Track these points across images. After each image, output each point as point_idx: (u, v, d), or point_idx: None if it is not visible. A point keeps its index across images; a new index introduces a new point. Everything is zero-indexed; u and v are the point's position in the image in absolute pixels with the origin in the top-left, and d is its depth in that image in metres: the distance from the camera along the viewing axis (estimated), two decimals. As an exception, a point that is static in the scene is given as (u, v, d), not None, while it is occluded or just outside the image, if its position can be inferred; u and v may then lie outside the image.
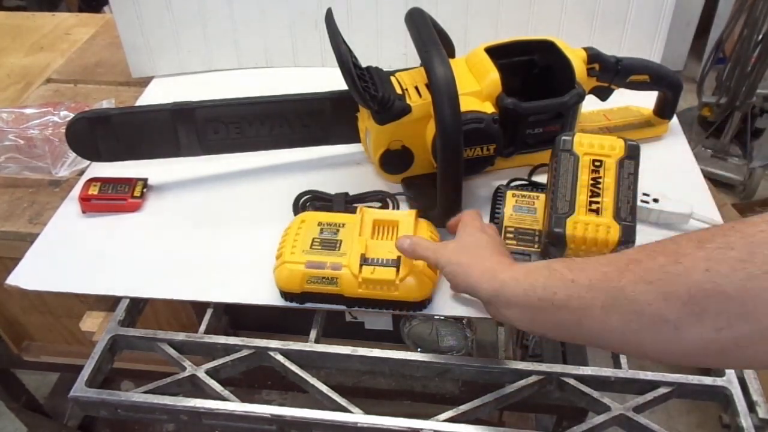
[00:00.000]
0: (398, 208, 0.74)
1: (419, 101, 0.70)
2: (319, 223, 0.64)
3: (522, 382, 0.57)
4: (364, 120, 0.75)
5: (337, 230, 0.63)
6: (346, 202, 0.73)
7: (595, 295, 0.42)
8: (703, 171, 0.80)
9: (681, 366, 0.43)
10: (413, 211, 0.65)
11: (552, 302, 0.45)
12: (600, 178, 0.60)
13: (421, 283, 0.59)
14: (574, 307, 0.43)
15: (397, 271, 0.59)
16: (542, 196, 0.68)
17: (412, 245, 0.58)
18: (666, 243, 0.41)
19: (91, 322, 0.66)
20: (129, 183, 0.77)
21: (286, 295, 0.62)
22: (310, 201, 0.74)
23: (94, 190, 0.75)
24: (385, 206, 0.74)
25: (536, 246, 0.65)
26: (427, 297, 0.61)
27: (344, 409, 0.56)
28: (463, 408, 0.55)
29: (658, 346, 0.40)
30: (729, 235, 0.37)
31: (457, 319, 0.66)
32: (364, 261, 0.59)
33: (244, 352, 0.60)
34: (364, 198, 0.74)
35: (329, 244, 0.61)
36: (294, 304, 0.63)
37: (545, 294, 0.45)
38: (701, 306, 0.37)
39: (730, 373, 0.57)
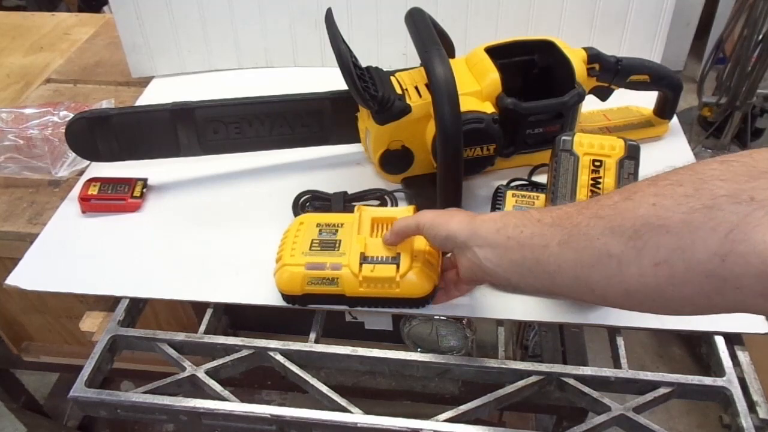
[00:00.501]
0: (396, 206, 0.74)
1: (419, 101, 0.70)
2: (318, 224, 0.63)
3: (522, 382, 0.57)
4: (364, 120, 0.75)
5: (336, 230, 0.63)
6: (345, 201, 0.73)
7: (555, 232, 0.43)
8: (703, 171, 0.80)
9: (619, 308, 0.43)
10: (411, 207, 0.65)
11: (518, 240, 0.46)
12: (600, 178, 0.60)
13: (422, 280, 0.58)
14: (536, 243, 0.44)
15: (398, 268, 0.58)
16: (542, 196, 0.68)
17: (391, 229, 0.58)
18: (629, 185, 0.42)
19: (90, 322, 0.66)
20: (129, 183, 0.77)
21: (287, 297, 0.62)
22: (309, 201, 0.74)
23: (93, 190, 0.75)
24: (383, 204, 0.74)
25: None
26: (429, 293, 0.60)
27: (344, 409, 0.55)
28: (463, 408, 0.55)
29: (602, 282, 0.40)
30: (681, 173, 0.38)
31: (457, 319, 0.66)
32: (364, 259, 0.59)
33: (244, 352, 0.60)
34: (362, 197, 0.74)
35: (328, 244, 0.61)
36: (296, 306, 0.63)
37: (514, 232, 0.46)
38: (643, 240, 0.37)
39: (730, 373, 0.57)
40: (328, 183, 0.78)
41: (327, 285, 0.59)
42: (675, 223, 0.35)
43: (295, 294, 0.61)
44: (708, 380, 0.57)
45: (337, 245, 0.61)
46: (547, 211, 0.46)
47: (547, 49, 0.76)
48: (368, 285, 0.59)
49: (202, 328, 0.63)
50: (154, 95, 0.98)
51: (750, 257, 0.32)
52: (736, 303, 0.35)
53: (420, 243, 0.60)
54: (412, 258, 0.58)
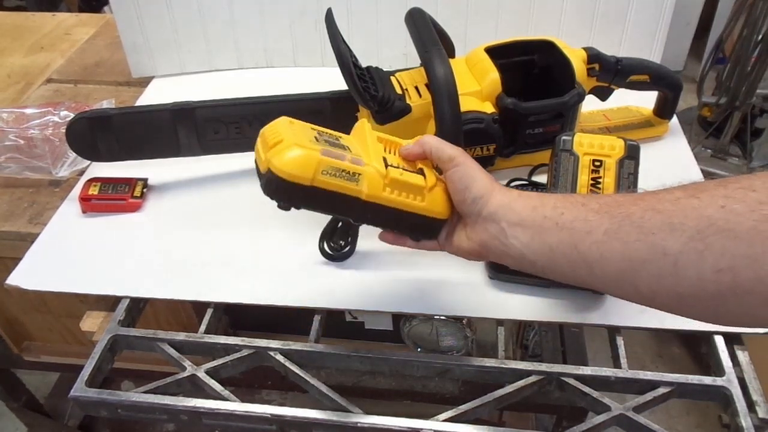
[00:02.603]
0: None
1: (419, 101, 0.70)
2: (313, 128, 0.50)
3: (522, 382, 0.57)
4: (364, 120, 0.75)
5: (339, 138, 0.51)
6: None
7: (602, 219, 0.40)
8: (703, 171, 0.80)
9: (663, 310, 0.40)
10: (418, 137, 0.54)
11: (556, 222, 0.42)
12: (600, 178, 0.60)
13: (445, 200, 0.51)
14: (577, 228, 0.41)
15: (425, 179, 0.50)
16: (542, 196, 0.68)
17: (418, 140, 0.51)
18: (690, 183, 0.38)
19: (91, 322, 0.66)
20: (129, 183, 0.77)
21: (285, 186, 0.46)
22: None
23: (94, 190, 0.75)
24: None
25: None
26: (447, 217, 0.51)
27: (344, 409, 0.56)
28: (463, 408, 0.55)
29: (652, 281, 0.38)
30: (754, 179, 0.35)
31: (457, 319, 0.66)
32: (387, 164, 0.49)
33: (244, 352, 0.60)
34: None
35: (337, 146, 0.49)
36: (288, 208, 0.48)
37: (553, 213, 0.43)
38: (706, 242, 0.34)
39: (730, 373, 0.57)
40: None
41: (346, 180, 0.47)
42: (746, 229, 0.33)
43: (302, 182, 0.46)
44: (708, 380, 0.57)
45: (347, 149, 0.49)
46: (593, 197, 0.42)
47: (547, 49, 0.76)
48: (393, 189, 0.49)
49: (203, 328, 0.63)
50: (155, 95, 0.99)
51: None
52: None
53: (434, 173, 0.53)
54: (436, 176, 0.51)
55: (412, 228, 0.52)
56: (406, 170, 0.50)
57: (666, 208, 0.37)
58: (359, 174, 0.47)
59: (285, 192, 0.46)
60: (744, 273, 0.33)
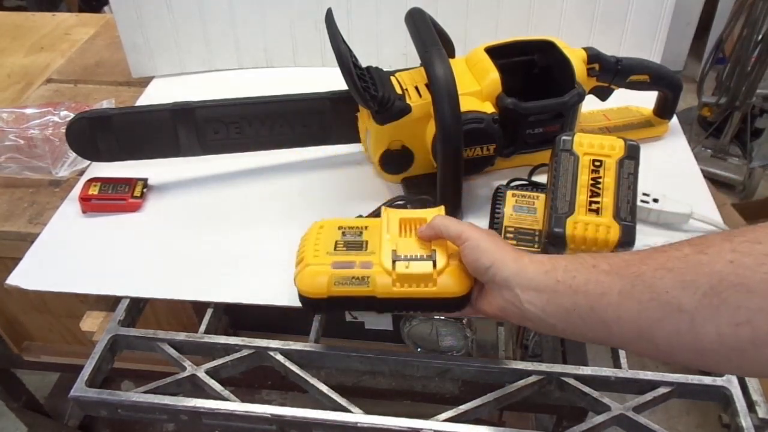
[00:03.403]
0: None
1: (419, 101, 0.70)
2: (340, 227, 0.58)
3: (522, 382, 0.57)
4: (364, 120, 0.75)
5: (361, 232, 0.58)
6: None
7: (614, 281, 0.41)
8: (703, 171, 0.80)
9: (686, 366, 0.41)
10: (441, 208, 0.60)
11: (570, 285, 0.43)
12: (600, 178, 0.60)
13: (460, 278, 0.54)
14: (591, 291, 0.42)
15: (434, 264, 0.53)
16: (542, 196, 0.68)
17: (430, 224, 0.55)
18: (695, 237, 0.39)
19: (91, 322, 0.66)
20: (129, 183, 0.77)
21: (311, 301, 0.55)
22: None
23: (94, 190, 0.75)
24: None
25: (536, 246, 0.65)
26: (466, 293, 0.54)
27: (344, 409, 0.56)
28: (463, 408, 0.55)
29: (671, 338, 0.38)
30: (758, 231, 0.35)
31: (457, 319, 0.66)
32: (396, 257, 0.54)
33: (244, 352, 0.60)
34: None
35: (355, 245, 0.56)
36: (320, 314, 0.59)
37: (565, 277, 0.44)
38: (721, 297, 0.35)
39: (730, 373, 0.57)
40: (328, 183, 0.78)
41: (357, 285, 0.54)
42: (756, 282, 0.34)
43: (321, 296, 0.55)
44: (707, 380, 0.57)
45: (364, 246, 0.56)
46: (602, 257, 0.43)
47: (547, 49, 0.76)
48: (402, 283, 0.54)
49: (203, 328, 0.63)
50: (155, 95, 0.98)
51: None
52: None
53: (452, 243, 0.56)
54: (449, 256, 0.54)
55: (433, 308, 0.56)
56: (415, 259, 0.54)
57: (676, 266, 0.38)
58: (368, 277, 0.54)
59: (312, 304, 0.56)
60: (762, 325, 0.34)
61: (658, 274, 0.38)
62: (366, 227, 0.58)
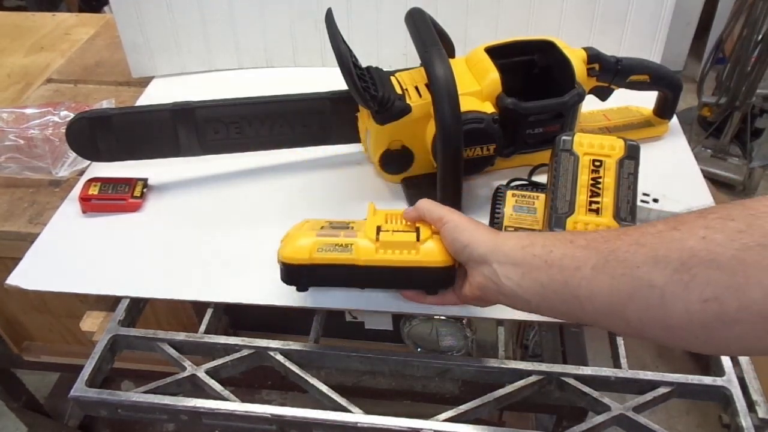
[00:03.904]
0: None
1: (419, 101, 0.70)
2: (328, 220, 0.60)
3: (522, 382, 0.57)
4: (364, 120, 0.75)
5: (348, 223, 0.59)
6: None
7: (589, 255, 0.41)
8: (703, 171, 0.80)
9: (655, 343, 0.41)
10: None
11: (546, 260, 0.43)
12: (600, 178, 0.60)
13: (443, 249, 0.54)
14: (566, 265, 0.42)
15: (417, 237, 0.54)
16: (542, 196, 0.68)
17: (415, 206, 0.56)
18: (671, 216, 0.40)
19: (91, 322, 0.66)
20: (129, 183, 0.77)
21: (291, 269, 0.55)
22: None
23: (94, 190, 0.75)
24: None
25: (536, 246, 0.65)
26: (452, 264, 0.54)
27: (344, 409, 0.56)
28: (463, 408, 0.55)
29: (641, 314, 0.38)
30: (731, 209, 0.36)
31: (457, 319, 0.66)
32: (380, 230, 0.55)
33: (244, 352, 0.60)
34: None
35: (340, 226, 0.57)
36: (298, 287, 0.58)
37: (542, 251, 0.44)
38: (691, 273, 0.35)
39: (730, 373, 0.57)
40: (328, 183, 0.78)
41: (340, 252, 0.54)
42: (727, 259, 0.34)
43: (302, 262, 0.54)
44: (708, 380, 0.57)
45: (349, 227, 0.57)
46: (581, 233, 0.44)
47: (547, 49, 0.76)
48: (386, 250, 0.54)
49: (203, 328, 0.63)
50: (155, 95, 0.99)
51: None
52: None
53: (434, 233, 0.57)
54: (432, 231, 0.55)
55: (418, 282, 0.56)
56: (398, 231, 0.55)
57: (649, 242, 0.38)
58: (351, 244, 0.54)
59: (292, 274, 0.56)
60: (730, 303, 0.34)
61: (632, 249, 0.39)
62: (352, 223, 0.59)
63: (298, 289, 0.58)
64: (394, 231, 0.55)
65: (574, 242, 0.43)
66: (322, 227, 0.57)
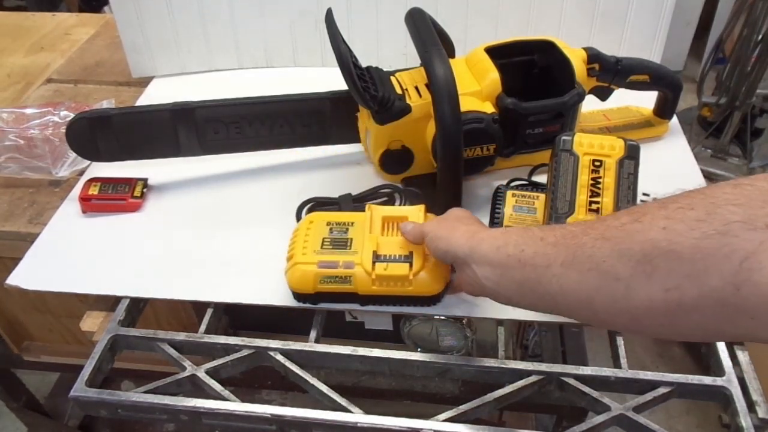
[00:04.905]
0: (406, 202, 0.74)
1: (419, 101, 0.70)
2: (328, 223, 0.63)
3: (522, 382, 0.57)
4: (364, 120, 0.75)
5: (347, 229, 0.63)
6: (354, 201, 0.73)
7: (558, 252, 0.42)
8: (703, 171, 0.80)
9: (624, 331, 0.41)
10: (422, 206, 0.65)
11: (519, 259, 0.45)
12: (600, 178, 0.60)
13: (434, 278, 0.59)
14: (538, 263, 0.43)
15: (410, 266, 0.59)
16: (542, 196, 0.68)
17: (401, 230, 0.59)
18: (635, 206, 0.40)
19: (91, 322, 0.66)
20: (129, 183, 0.77)
21: (298, 296, 0.62)
22: (314, 208, 0.73)
23: (94, 190, 0.75)
24: (391, 200, 0.74)
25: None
26: (441, 291, 0.60)
27: (344, 409, 0.56)
28: (463, 408, 0.55)
29: (608, 306, 0.39)
30: (693, 197, 0.36)
31: (457, 319, 0.66)
32: (377, 258, 0.59)
33: (244, 352, 0.60)
34: (371, 195, 0.74)
35: (340, 243, 0.61)
36: (306, 305, 0.63)
37: (515, 251, 0.45)
38: (653, 264, 0.36)
39: (730, 373, 0.57)
40: (328, 183, 0.78)
41: (340, 283, 0.59)
42: (687, 248, 0.34)
43: (307, 293, 0.61)
44: (707, 380, 0.57)
45: (348, 244, 0.61)
46: (550, 229, 0.45)
47: (547, 49, 0.76)
48: (381, 283, 0.59)
49: (203, 328, 0.63)
50: (155, 95, 0.99)
51: (765, 287, 0.31)
52: (747, 331, 0.34)
53: None
54: (425, 257, 0.59)
55: (409, 303, 0.62)
56: (393, 261, 0.59)
57: (613, 235, 0.39)
58: (350, 276, 0.59)
59: (301, 297, 0.62)
60: (690, 291, 0.35)
61: (597, 244, 0.39)
62: (352, 223, 0.63)
63: (306, 303, 0.63)
64: (388, 262, 0.59)
65: (545, 239, 0.44)
66: (323, 243, 0.61)
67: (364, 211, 0.65)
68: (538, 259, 0.43)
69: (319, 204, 0.74)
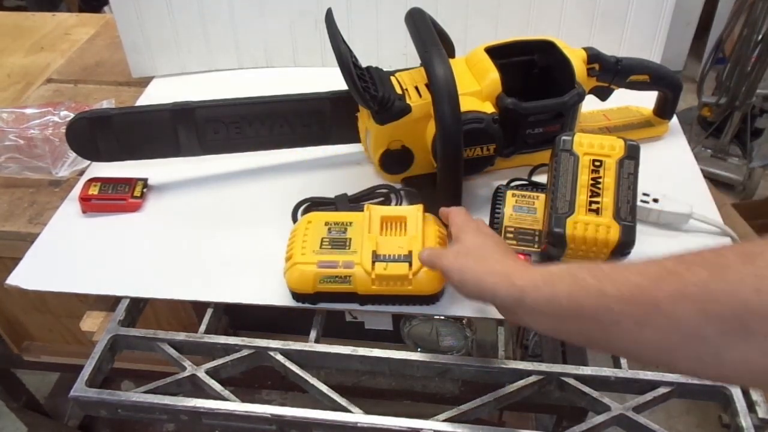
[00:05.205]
0: (402, 201, 0.74)
1: (419, 101, 0.70)
2: (327, 223, 0.63)
3: (522, 382, 0.57)
4: (364, 120, 0.75)
5: (345, 229, 0.63)
6: (350, 202, 0.73)
7: (627, 309, 0.39)
8: (703, 171, 0.80)
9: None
10: (420, 206, 0.65)
11: (578, 313, 0.42)
12: (600, 178, 0.60)
13: (433, 277, 0.59)
14: (603, 320, 0.40)
15: (410, 265, 0.59)
16: (542, 196, 0.68)
17: (420, 256, 0.57)
18: (706, 255, 0.37)
19: (91, 322, 0.66)
20: (129, 183, 0.77)
21: (298, 296, 0.62)
22: (309, 208, 0.73)
23: (94, 190, 0.75)
24: (387, 201, 0.74)
25: (536, 246, 0.65)
26: (440, 290, 0.61)
27: (344, 409, 0.56)
28: (463, 408, 0.55)
29: (693, 364, 0.37)
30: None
31: (457, 319, 0.66)
32: (376, 258, 0.59)
33: (244, 352, 0.60)
34: (367, 195, 0.74)
35: (339, 242, 0.61)
36: (305, 305, 0.63)
37: (570, 304, 0.42)
38: (749, 329, 0.33)
39: (730, 373, 0.57)
40: (328, 183, 0.78)
41: (339, 283, 0.59)
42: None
43: (307, 293, 0.61)
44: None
45: (347, 244, 0.61)
46: (607, 279, 0.41)
47: (547, 49, 0.76)
48: (381, 283, 0.59)
49: (203, 328, 0.63)
50: (155, 95, 0.98)
51: None
52: None
53: (430, 240, 0.61)
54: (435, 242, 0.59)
55: (408, 302, 0.62)
56: (393, 260, 0.59)
57: (695, 294, 0.36)
58: (350, 276, 0.59)
59: (301, 297, 0.62)
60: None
61: (677, 304, 0.36)
62: (351, 223, 0.63)
63: (305, 303, 0.63)
64: (388, 261, 0.59)
65: (605, 293, 0.40)
66: (321, 243, 0.61)
67: (360, 211, 0.65)
68: (603, 315, 0.40)
69: (315, 204, 0.74)
